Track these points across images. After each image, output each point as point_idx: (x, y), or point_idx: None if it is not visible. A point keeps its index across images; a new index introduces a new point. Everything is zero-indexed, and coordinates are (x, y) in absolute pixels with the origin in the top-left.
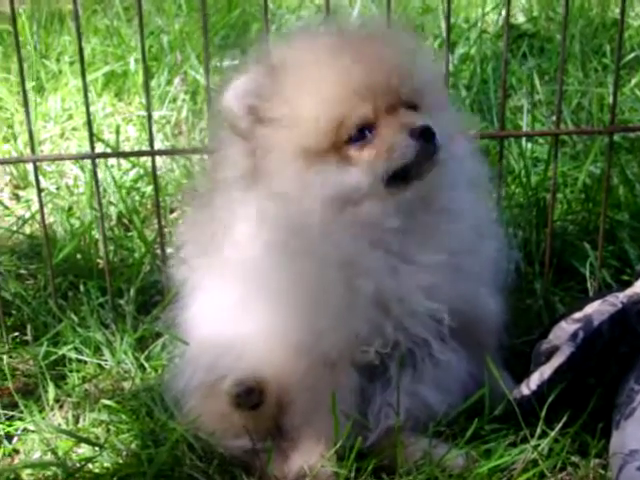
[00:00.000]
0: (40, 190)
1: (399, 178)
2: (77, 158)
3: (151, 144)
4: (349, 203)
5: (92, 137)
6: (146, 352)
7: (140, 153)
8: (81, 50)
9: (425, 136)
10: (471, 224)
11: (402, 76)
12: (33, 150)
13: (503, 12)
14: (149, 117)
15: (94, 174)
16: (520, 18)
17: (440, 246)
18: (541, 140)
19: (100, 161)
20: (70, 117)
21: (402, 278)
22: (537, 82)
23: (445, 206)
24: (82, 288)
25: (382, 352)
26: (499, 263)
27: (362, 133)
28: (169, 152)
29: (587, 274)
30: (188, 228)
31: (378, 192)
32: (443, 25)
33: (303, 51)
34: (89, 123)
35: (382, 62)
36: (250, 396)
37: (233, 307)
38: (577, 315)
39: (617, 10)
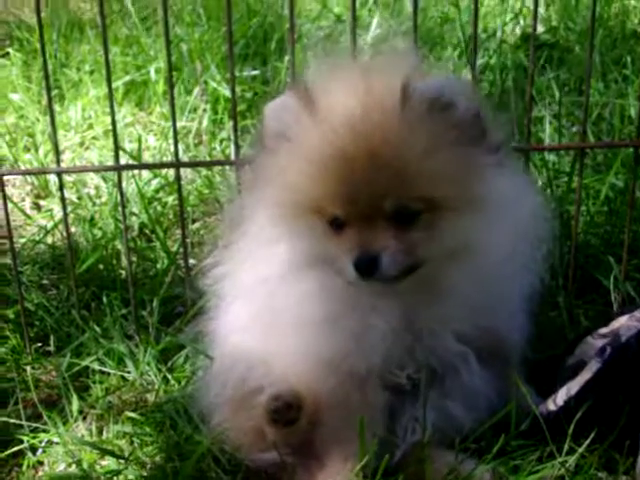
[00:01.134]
0: (64, 201)
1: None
2: (102, 170)
3: (176, 156)
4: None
5: (117, 149)
6: (169, 364)
7: (165, 165)
8: (107, 62)
9: (362, 270)
10: (502, 271)
11: (394, 187)
12: (58, 161)
13: (522, 22)
14: (174, 129)
15: (119, 186)
16: (539, 28)
17: (464, 299)
18: (562, 152)
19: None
20: (90, 127)
21: (426, 318)
22: (557, 93)
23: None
24: (105, 299)
25: (414, 377)
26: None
27: (334, 223)
28: (194, 164)
29: (611, 287)
30: (217, 238)
31: None
32: (461, 35)
33: (327, 108)
34: (114, 135)
35: (379, 168)
36: (287, 412)
37: (261, 319)
38: (604, 330)
39: (636, 21)
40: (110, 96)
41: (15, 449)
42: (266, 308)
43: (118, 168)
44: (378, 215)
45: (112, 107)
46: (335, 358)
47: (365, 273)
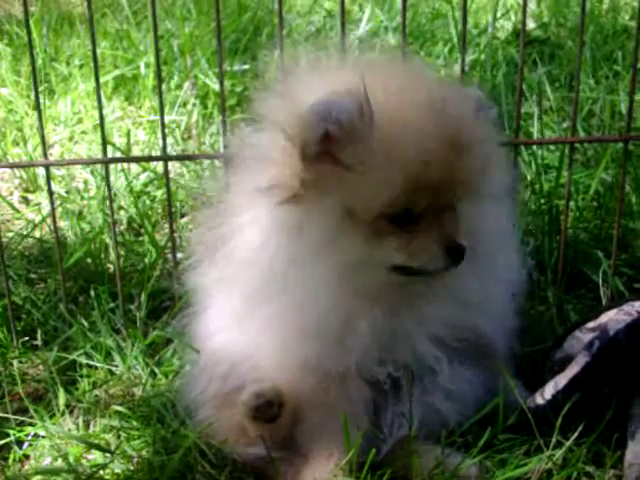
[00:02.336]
0: (52, 194)
1: (407, 271)
2: (90, 163)
3: (164, 149)
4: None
5: (105, 142)
6: (157, 358)
7: (153, 158)
8: (95, 56)
9: (457, 257)
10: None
11: (468, 178)
12: (45, 154)
13: (513, 18)
14: (162, 123)
15: (106, 179)
16: (530, 24)
17: (449, 299)
18: (551, 147)
19: (111, 165)
20: (80, 121)
21: (406, 322)
22: (548, 89)
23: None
24: (92, 293)
25: (395, 375)
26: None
27: (403, 218)
28: (182, 157)
29: (600, 282)
30: (200, 233)
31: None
32: (453, 31)
33: (396, 104)
34: (102, 127)
35: (462, 157)
36: (269, 409)
37: (244, 317)
38: (592, 324)
39: (627, 17)
40: (97, 89)
41: (1, 443)
42: (248, 312)
43: (106, 161)
44: (450, 204)
45: (99, 100)
46: (312, 360)
47: (458, 260)
